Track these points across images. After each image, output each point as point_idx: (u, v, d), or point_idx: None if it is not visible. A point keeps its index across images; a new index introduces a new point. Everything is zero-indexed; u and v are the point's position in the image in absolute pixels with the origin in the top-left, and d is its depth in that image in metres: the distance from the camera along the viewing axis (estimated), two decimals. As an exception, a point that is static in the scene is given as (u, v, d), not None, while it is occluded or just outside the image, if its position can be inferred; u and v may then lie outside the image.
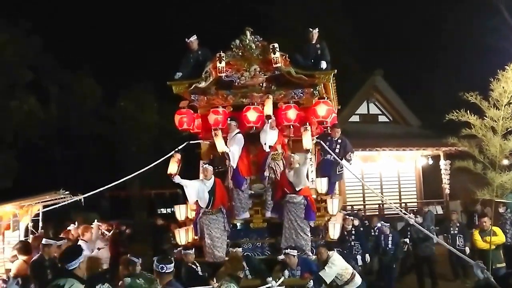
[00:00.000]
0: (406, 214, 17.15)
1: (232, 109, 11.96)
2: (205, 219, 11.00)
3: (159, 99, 24.36)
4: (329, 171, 12.06)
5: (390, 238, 13.78)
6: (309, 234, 10.85)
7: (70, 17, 27.81)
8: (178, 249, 11.23)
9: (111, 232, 15.19)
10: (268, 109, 11.08)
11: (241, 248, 10.46)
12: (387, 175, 23.39)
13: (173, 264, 6.75)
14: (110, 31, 27.81)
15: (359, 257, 13.07)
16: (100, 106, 24.96)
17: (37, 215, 13.77)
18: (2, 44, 20.78)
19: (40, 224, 13.80)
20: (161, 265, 6.64)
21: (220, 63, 11.34)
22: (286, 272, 10.01)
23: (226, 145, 11.32)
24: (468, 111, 10.71)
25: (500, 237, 12.32)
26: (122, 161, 23.00)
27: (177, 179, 10.88)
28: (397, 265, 14.11)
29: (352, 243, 13.37)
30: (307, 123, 11.09)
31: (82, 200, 13.76)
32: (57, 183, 13.48)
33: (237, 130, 11.55)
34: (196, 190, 10.95)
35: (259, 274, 10.03)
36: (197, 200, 11.09)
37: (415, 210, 17.05)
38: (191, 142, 12.32)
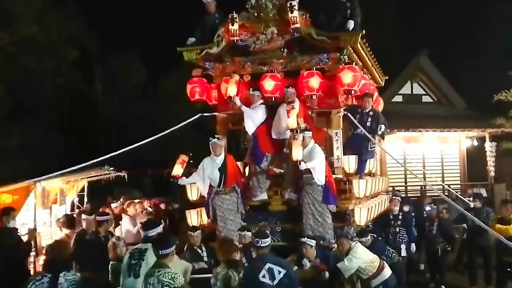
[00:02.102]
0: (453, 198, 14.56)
1: (250, 78, 9.82)
2: (218, 199, 8.96)
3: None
4: (359, 148, 9.59)
5: (435, 224, 11.23)
6: (329, 220, 8.63)
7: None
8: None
9: (153, 208, 14.02)
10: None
11: (250, 233, 8.24)
12: (430, 156, 20.95)
13: (269, 238, 6.36)
14: (154, 11, 26.10)
15: (403, 246, 10.53)
16: (143, 86, 23.40)
17: (83, 190, 13.62)
18: (50, 23, 19.11)
19: (85, 199, 13.57)
20: (256, 239, 6.27)
21: (233, 25, 9.19)
22: (307, 263, 7.87)
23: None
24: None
25: None
26: (165, 140, 21.12)
27: (183, 181, 9.07)
28: (446, 256, 11.46)
29: (397, 229, 10.67)
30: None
31: (126, 176, 13.84)
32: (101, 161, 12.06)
33: (260, 101, 9.43)
34: (207, 172, 8.92)
35: None
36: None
37: (473, 193, 14.03)
38: (204, 114, 10.23)
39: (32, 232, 9.17)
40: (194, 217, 9.61)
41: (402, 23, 27.70)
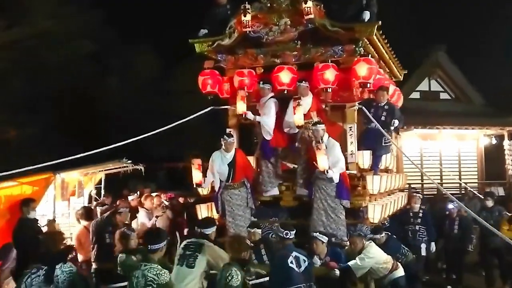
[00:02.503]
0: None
1: (263, 70, 9.46)
2: (226, 194, 8.59)
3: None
4: (373, 143, 9.12)
5: (456, 223, 10.61)
6: (342, 216, 8.21)
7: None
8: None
9: (170, 202, 13.72)
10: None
11: (260, 230, 7.93)
12: (447, 154, 20.33)
13: (294, 230, 6.69)
14: (168, 5, 25.64)
15: (423, 246, 9.96)
16: (157, 79, 23.02)
17: (100, 182, 13.57)
18: (65, 17, 18.99)
19: (102, 191, 13.58)
20: (285, 231, 6.59)
21: (245, 16, 8.82)
22: (318, 260, 7.43)
23: (258, 112, 9.03)
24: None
25: None
26: (179, 133, 20.72)
27: (205, 185, 8.82)
28: (465, 257, 10.84)
29: (417, 227, 10.09)
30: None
31: (143, 169, 13.56)
32: (117, 153, 12.07)
33: (271, 95, 9.02)
34: (216, 166, 8.58)
35: None
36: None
37: (487, 191, 13.39)
38: (216, 107, 9.85)
39: (52, 223, 9.15)
40: (204, 212, 9.29)
41: (418, 18, 27.02)
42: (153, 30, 24.26)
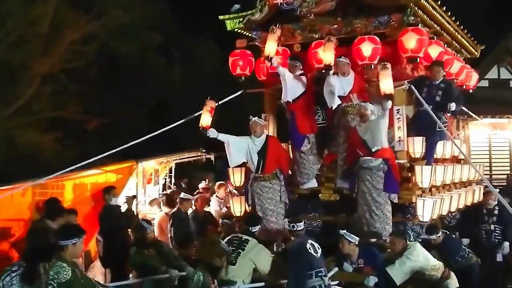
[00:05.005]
0: None
1: (300, 48, 7.79)
2: (256, 186, 7.08)
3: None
4: (425, 128, 7.15)
5: None
6: (388, 214, 6.51)
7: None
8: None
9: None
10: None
11: None
12: (518, 144, 17.85)
13: (302, 222, 6.01)
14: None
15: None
16: (219, 69, 21.96)
17: (170, 171, 12.87)
18: (131, 7, 17.93)
19: (173, 180, 12.79)
20: (292, 224, 5.91)
21: (276, -14, 7.19)
22: (349, 267, 5.88)
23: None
24: None
25: None
26: (242, 123, 19.48)
27: (213, 133, 7.03)
28: None
29: (492, 227, 7.77)
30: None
31: (213, 158, 12.71)
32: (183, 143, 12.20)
33: (300, 72, 7.34)
34: (244, 149, 7.10)
35: None
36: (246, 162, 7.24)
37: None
38: (248, 91, 8.29)
39: (130, 200, 8.73)
40: (237, 205, 7.76)
41: (487, 5, 24.31)
42: (215, 19, 23.14)
